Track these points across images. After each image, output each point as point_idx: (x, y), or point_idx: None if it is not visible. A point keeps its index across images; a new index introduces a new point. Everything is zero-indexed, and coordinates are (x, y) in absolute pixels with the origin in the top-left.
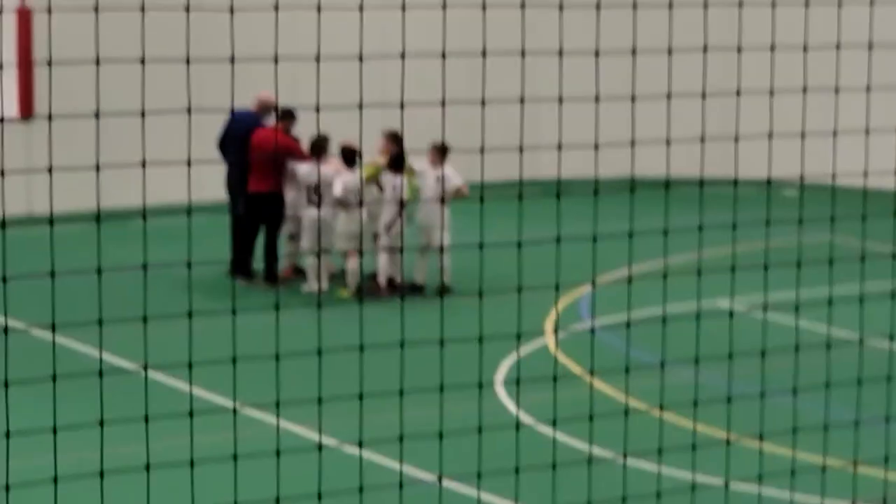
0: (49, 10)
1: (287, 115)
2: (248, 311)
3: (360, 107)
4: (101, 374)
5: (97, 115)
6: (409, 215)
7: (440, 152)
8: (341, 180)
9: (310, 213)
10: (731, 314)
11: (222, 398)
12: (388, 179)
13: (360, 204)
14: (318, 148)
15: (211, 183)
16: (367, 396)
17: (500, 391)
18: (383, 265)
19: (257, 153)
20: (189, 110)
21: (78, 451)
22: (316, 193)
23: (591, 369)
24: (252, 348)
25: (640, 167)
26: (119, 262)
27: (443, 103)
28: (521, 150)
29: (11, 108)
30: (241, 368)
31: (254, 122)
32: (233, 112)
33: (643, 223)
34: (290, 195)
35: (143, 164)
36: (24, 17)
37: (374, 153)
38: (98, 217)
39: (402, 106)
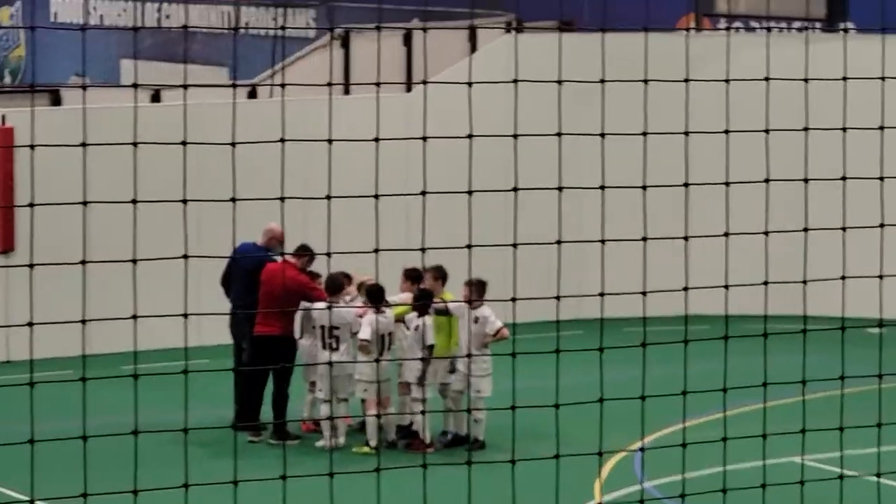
0: (32, 146)
1: (302, 250)
2: (252, 472)
3: (377, 250)
4: None
5: (83, 262)
6: (451, 363)
7: (477, 290)
8: (368, 322)
9: (324, 358)
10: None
11: None
12: (411, 321)
13: (383, 350)
14: (335, 286)
15: (212, 325)
16: None
17: None
18: (420, 419)
19: (266, 291)
20: (186, 256)
21: None
22: (331, 336)
23: None
24: None
25: (694, 305)
26: (108, 412)
27: (469, 246)
28: (558, 297)
29: None
30: None
31: (261, 257)
32: (237, 247)
33: (700, 367)
34: (307, 339)
35: (135, 317)
36: (6, 139)
37: (396, 293)
38: (84, 376)
39: (423, 249)
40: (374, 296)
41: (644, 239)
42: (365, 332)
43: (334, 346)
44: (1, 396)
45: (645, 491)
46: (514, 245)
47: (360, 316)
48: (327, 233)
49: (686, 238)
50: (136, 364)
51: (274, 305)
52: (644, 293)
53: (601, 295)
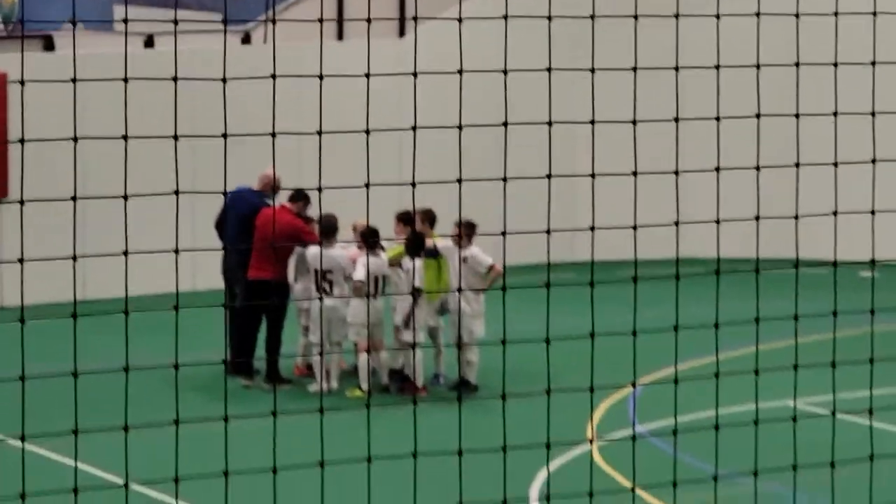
0: (22, 81)
1: (298, 196)
2: (242, 416)
3: (367, 185)
4: (75, 491)
5: (74, 198)
6: (442, 304)
7: (466, 231)
8: (362, 263)
9: (317, 303)
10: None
11: None
12: (405, 264)
13: (376, 292)
14: (328, 230)
15: (206, 269)
16: None
17: (534, 501)
18: (411, 362)
19: (261, 236)
20: (177, 192)
21: None
22: (325, 280)
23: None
24: (250, 457)
25: (687, 248)
26: (101, 357)
27: (459, 180)
28: (548, 231)
29: None
30: (236, 481)
31: (256, 202)
32: (232, 190)
33: (694, 312)
34: (301, 283)
35: (126, 253)
36: None
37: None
38: (75, 314)
39: (413, 184)
40: (368, 238)
41: (635, 174)
42: (359, 273)
43: (328, 290)
44: None
45: (637, 432)
46: (504, 179)
47: (354, 259)
48: (318, 172)
49: (677, 173)
50: (128, 304)
51: (268, 250)
52: (635, 227)
53: (592, 229)
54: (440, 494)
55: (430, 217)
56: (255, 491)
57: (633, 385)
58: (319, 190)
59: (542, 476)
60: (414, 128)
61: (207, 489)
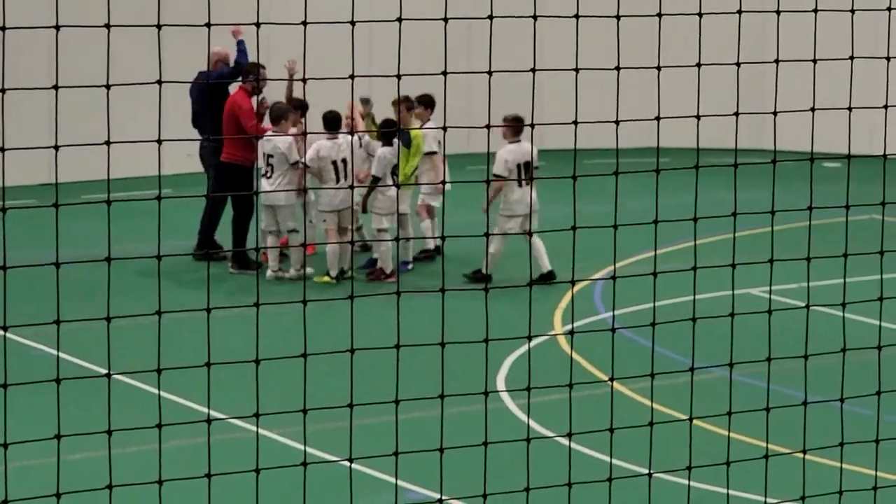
0: None
1: (248, 73)
2: (214, 300)
3: (352, 76)
4: (58, 381)
5: (56, 87)
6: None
7: (513, 125)
8: (316, 147)
9: (261, 188)
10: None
11: (191, 402)
12: (376, 150)
13: (339, 176)
14: (277, 115)
15: (176, 155)
16: (345, 405)
17: (504, 394)
18: (382, 249)
19: (224, 119)
20: (160, 81)
21: (27, 460)
22: (268, 164)
23: (613, 374)
24: (220, 342)
25: (663, 138)
26: (77, 241)
27: (444, 73)
28: (532, 125)
29: None
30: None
31: (202, 87)
32: (196, 76)
33: (667, 201)
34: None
35: (108, 143)
36: None
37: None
38: (57, 203)
39: (398, 76)
40: (328, 122)
41: (617, 68)
42: (307, 157)
43: (268, 174)
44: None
45: (606, 321)
46: (489, 73)
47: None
48: (303, 60)
49: (658, 68)
50: (110, 193)
51: (230, 133)
52: (617, 122)
53: (574, 123)
54: (415, 378)
55: (410, 105)
56: (236, 378)
57: (614, 278)
58: (303, 81)
59: (507, 365)
60: (399, 19)
61: (192, 378)
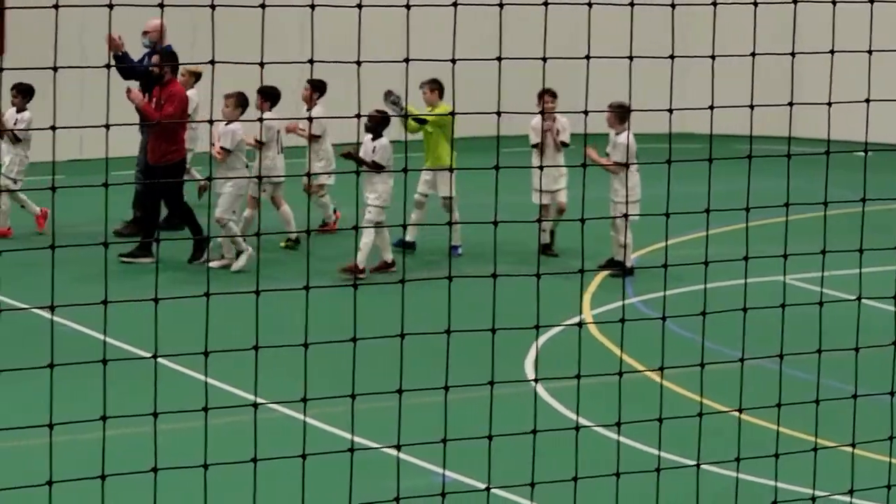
0: None
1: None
2: (221, 293)
3: (358, 62)
4: (104, 362)
5: (54, 68)
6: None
7: (618, 113)
8: (223, 133)
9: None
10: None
11: (229, 386)
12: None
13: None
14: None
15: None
16: (394, 391)
17: (531, 374)
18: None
19: None
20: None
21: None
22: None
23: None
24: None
25: (682, 123)
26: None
27: (453, 59)
28: (542, 112)
29: None
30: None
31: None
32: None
33: (690, 186)
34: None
35: (107, 126)
36: None
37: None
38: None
39: (406, 60)
40: (268, 96)
41: (630, 57)
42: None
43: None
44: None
45: (635, 306)
46: (499, 59)
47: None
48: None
49: (672, 57)
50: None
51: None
52: (630, 110)
53: (585, 113)
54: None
55: (438, 86)
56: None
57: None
58: (310, 62)
59: (535, 349)
60: (408, 6)
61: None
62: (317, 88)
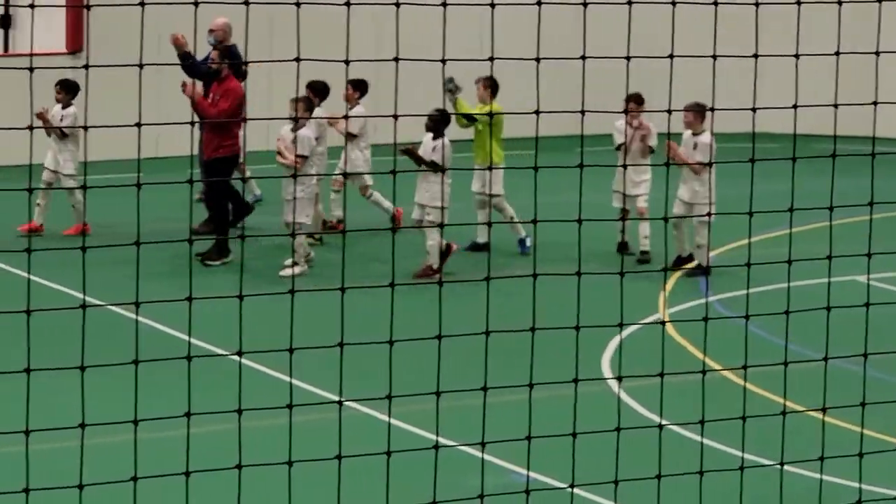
0: None
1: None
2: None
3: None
4: (189, 358)
5: (140, 66)
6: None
7: (697, 112)
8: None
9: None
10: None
11: (307, 384)
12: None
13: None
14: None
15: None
16: (479, 388)
17: (608, 373)
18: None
19: None
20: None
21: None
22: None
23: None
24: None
25: (762, 123)
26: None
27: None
28: (626, 111)
29: (59, 41)
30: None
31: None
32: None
33: (767, 185)
34: None
35: (192, 123)
36: None
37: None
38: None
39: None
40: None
41: (714, 56)
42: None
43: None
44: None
45: (711, 305)
46: (583, 58)
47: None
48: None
49: (756, 56)
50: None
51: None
52: (712, 109)
53: (668, 112)
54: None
55: (492, 83)
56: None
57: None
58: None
59: (612, 347)
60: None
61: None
62: (357, 88)
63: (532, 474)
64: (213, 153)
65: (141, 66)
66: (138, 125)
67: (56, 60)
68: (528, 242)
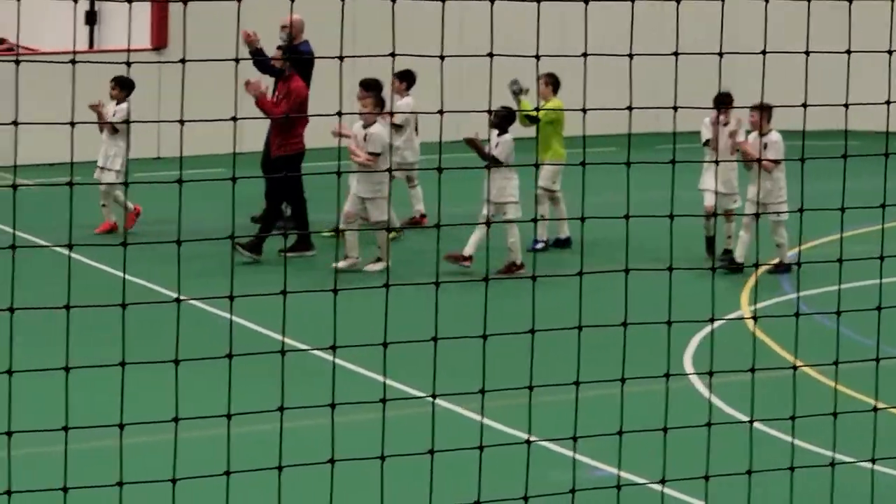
0: None
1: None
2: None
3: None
4: (282, 352)
5: (236, 60)
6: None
7: (765, 113)
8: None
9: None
10: None
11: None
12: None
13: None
14: None
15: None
16: (571, 383)
17: (690, 369)
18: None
19: None
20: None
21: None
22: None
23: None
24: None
25: (834, 120)
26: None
27: (630, 56)
28: (718, 107)
29: (143, 37)
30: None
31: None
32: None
33: (850, 184)
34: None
35: (287, 116)
36: None
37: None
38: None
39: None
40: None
41: (807, 52)
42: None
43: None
44: (151, 192)
45: (793, 302)
46: (675, 54)
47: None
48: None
49: (849, 52)
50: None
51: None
52: (805, 106)
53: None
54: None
55: (553, 80)
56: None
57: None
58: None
59: (694, 344)
60: None
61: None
62: (404, 79)
63: (615, 470)
64: (276, 151)
65: (237, 60)
66: (180, 121)
67: (141, 57)
68: (540, 246)
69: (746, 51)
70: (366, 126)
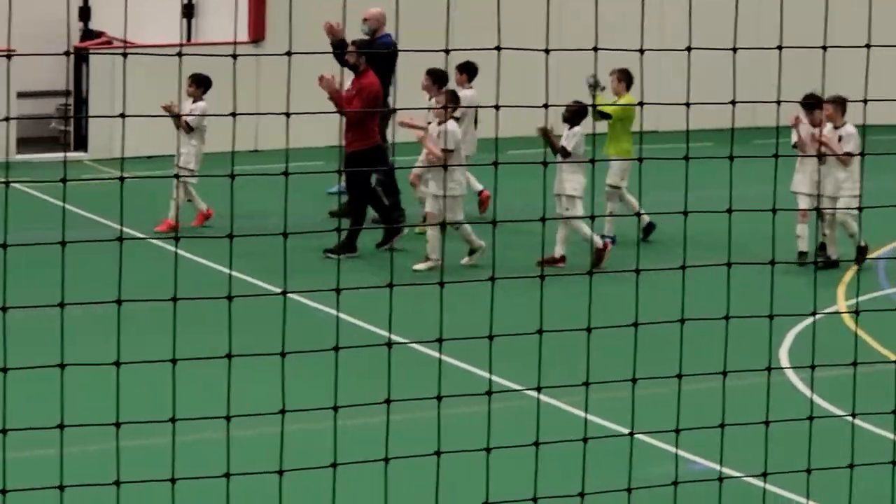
0: None
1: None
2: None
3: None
4: (389, 345)
5: (341, 52)
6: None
7: (839, 106)
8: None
9: None
10: None
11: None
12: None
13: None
14: None
15: None
16: (673, 376)
17: (785, 363)
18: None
19: None
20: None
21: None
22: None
23: None
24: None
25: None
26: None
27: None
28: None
29: (241, 30)
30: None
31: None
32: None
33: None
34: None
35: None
36: None
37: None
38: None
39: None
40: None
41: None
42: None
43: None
44: (251, 184)
45: (891, 297)
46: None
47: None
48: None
49: None
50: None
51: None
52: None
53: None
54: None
55: (626, 76)
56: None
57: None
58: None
59: (790, 338)
60: None
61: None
62: (465, 71)
63: (714, 465)
64: (350, 147)
65: (342, 52)
66: (233, 115)
67: (239, 50)
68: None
69: (845, 44)
70: (440, 122)
